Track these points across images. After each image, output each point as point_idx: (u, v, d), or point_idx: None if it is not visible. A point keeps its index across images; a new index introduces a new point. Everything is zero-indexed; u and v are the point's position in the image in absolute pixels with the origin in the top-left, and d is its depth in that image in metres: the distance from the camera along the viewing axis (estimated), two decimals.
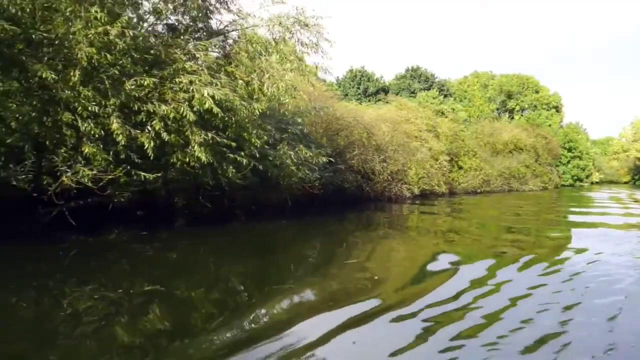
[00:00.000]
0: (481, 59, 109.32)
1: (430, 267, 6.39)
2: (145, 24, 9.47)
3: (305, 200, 13.20)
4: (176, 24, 9.55)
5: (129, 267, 6.80)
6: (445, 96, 56.43)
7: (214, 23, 10.14)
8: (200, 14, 9.94)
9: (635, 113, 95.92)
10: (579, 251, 7.53)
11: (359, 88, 51.18)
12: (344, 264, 6.81)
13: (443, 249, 8.01)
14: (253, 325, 3.91)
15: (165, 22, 9.42)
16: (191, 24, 9.79)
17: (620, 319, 3.98)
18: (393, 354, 3.20)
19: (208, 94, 8.19)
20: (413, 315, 4.05)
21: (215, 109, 8.33)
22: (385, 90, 53.91)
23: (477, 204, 21.33)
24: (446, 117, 30.97)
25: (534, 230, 11.19)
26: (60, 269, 6.28)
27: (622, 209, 18.01)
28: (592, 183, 56.90)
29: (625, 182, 71.68)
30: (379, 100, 50.69)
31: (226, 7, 10.28)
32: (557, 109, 61.86)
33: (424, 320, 3.90)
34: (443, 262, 6.69)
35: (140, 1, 8.80)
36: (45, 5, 7.45)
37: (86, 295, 4.99)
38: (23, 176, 7.04)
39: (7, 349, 3.35)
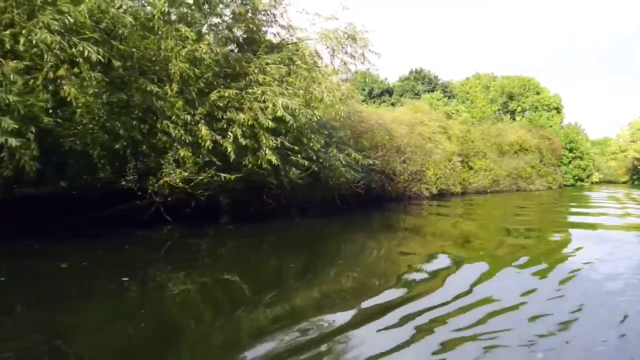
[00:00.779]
0: (481, 61, 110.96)
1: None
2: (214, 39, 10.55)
3: (342, 199, 14.32)
4: (241, 40, 10.63)
5: (197, 258, 7.74)
6: (449, 98, 57.81)
7: (272, 37, 11.23)
8: (254, 28, 11.04)
9: (633, 113, 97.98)
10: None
11: (364, 89, 52.34)
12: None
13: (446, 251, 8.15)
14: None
15: (236, 38, 10.49)
16: (254, 38, 10.89)
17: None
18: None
19: (282, 104, 9.30)
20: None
21: (288, 117, 9.45)
22: (389, 92, 55.18)
23: (493, 203, 22.56)
24: (454, 119, 32.19)
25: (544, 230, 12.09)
26: (138, 259, 7.25)
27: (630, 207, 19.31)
28: (592, 183, 58.44)
29: (624, 182, 73.29)
30: (384, 102, 52.01)
31: (276, 22, 11.37)
32: (558, 110, 63.37)
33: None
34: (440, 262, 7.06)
35: (218, 21, 9.88)
36: (144, 25, 8.51)
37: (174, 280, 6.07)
38: (130, 177, 8.12)
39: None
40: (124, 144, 8.37)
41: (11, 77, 6.59)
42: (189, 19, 9.00)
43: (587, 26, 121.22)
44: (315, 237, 10.54)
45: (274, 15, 11.23)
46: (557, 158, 44.92)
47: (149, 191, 8.67)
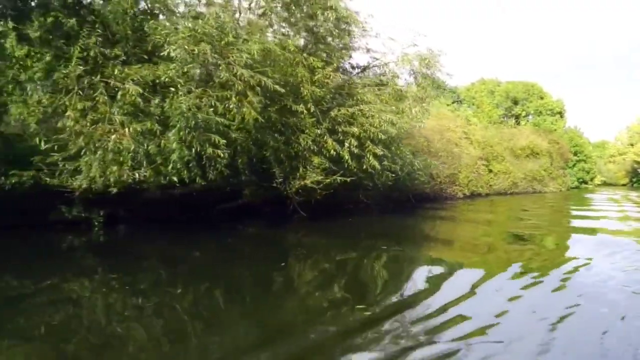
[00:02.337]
0: (483, 66, 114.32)
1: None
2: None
3: (405, 199, 16.63)
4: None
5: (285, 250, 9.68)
6: (454, 102, 60.50)
7: (364, 59, 13.49)
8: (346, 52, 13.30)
9: (630, 117, 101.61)
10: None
11: None
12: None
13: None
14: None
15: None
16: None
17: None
18: None
19: (387, 119, 11.56)
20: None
21: (391, 130, 11.71)
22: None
23: (521, 203, 25.01)
24: (475, 124, 34.65)
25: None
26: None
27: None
28: (595, 185, 61.36)
29: (623, 184, 76.27)
30: None
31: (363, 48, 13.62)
32: (561, 114, 66.31)
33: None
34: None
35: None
36: (286, 58, 10.68)
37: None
38: (279, 179, 10.31)
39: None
40: (268, 153, 10.53)
41: (213, 102, 8.78)
42: (318, 51, 11.22)
43: (584, 27, 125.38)
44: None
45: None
46: (565, 161, 47.67)
47: (286, 192, 10.88)
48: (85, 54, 8.12)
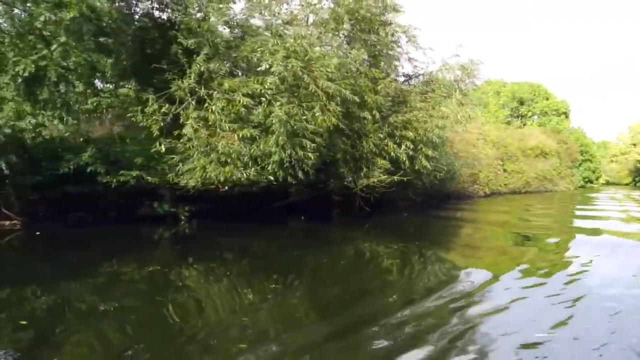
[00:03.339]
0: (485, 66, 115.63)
1: None
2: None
3: (432, 196, 18.07)
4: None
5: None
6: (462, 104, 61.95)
7: (408, 68, 14.89)
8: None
9: (628, 118, 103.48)
10: None
11: None
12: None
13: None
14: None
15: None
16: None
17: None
18: None
19: (440, 124, 12.96)
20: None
21: (442, 133, 13.11)
22: None
23: (541, 201, 26.50)
24: (490, 125, 36.06)
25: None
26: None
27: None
28: (601, 185, 63.00)
29: (626, 184, 77.85)
30: None
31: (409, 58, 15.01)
32: (566, 114, 67.90)
33: None
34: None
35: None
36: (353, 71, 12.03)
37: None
38: (350, 179, 11.70)
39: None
40: (338, 155, 11.91)
41: (303, 111, 10.15)
42: (378, 63, 12.60)
43: (581, 26, 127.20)
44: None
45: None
46: (573, 161, 49.22)
47: (354, 190, 12.28)
48: (198, 68, 9.46)
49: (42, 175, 11.34)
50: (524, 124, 65.08)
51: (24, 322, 4.53)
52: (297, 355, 3.78)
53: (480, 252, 9.25)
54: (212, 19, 9.92)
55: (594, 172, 58.87)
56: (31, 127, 9.25)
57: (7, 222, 11.30)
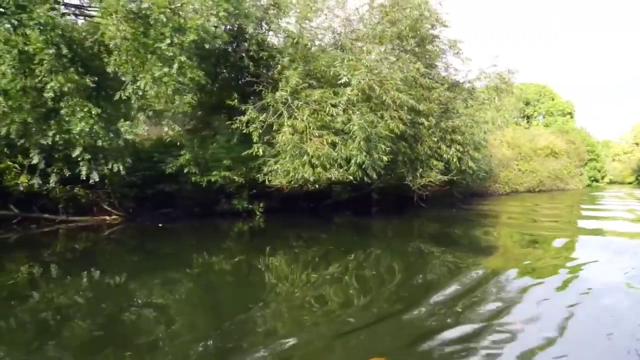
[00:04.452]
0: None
1: None
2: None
3: (478, 194, 19.61)
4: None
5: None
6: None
7: (453, 77, 16.37)
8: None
9: (628, 118, 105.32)
10: None
11: None
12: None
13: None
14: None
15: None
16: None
17: None
18: None
19: (487, 128, 14.46)
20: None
21: (485, 136, 14.61)
22: None
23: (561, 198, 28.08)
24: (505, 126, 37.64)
25: None
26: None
27: None
28: (606, 183, 64.69)
29: (630, 183, 79.56)
30: None
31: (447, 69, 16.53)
32: (571, 115, 69.61)
33: None
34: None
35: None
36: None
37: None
38: (410, 177, 13.19)
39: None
40: (400, 157, 13.40)
41: (377, 119, 11.63)
42: (431, 73, 14.10)
43: (580, 26, 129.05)
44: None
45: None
46: (581, 161, 50.89)
47: (413, 188, 13.77)
48: (292, 82, 10.95)
49: (136, 175, 12.81)
50: (530, 125, 66.82)
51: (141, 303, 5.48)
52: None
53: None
54: (303, 39, 11.43)
55: (599, 171, 60.57)
56: (145, 133, 10.68)
57: (108, 217, 12.77)
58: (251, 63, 12.54)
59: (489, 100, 15.87)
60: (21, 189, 10.95)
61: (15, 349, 3.96)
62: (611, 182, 75.25)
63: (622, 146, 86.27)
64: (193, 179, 12.26)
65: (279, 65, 12.08)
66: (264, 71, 11.68)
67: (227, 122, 12.07)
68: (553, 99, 69.51)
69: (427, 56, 14.36)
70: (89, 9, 11.57)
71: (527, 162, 36.73)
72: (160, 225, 12.43)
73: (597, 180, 60.17)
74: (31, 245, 10.20)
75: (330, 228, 14.00)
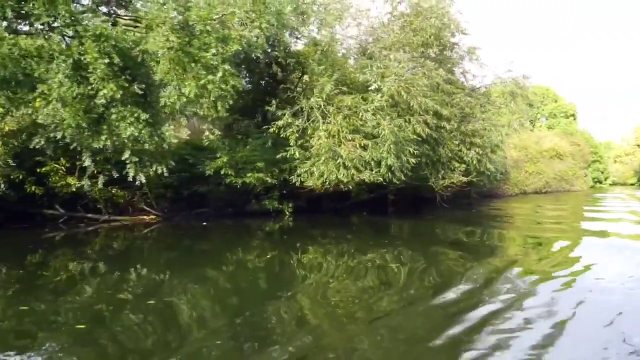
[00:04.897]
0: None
1: None
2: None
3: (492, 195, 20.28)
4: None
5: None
6: None
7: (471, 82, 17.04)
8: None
9: (633, 118, 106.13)
10: None
11: None
12: None
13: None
14: None
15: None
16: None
17: None
18: None
19: (505, 132, 15.10)
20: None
21: (502, 139, 15.25)
22: None
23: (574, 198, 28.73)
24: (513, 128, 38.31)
25: None
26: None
27: None
28: (609, 185, 65.37)
29: (632, 184, 79.99)
30: None
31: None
32: (574, 116, 70.28)
33: None
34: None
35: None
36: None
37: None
38: (433, 179, 13.84)
39: None
40: (423, 159, 14.03)
41: (404, 123, 12.27)
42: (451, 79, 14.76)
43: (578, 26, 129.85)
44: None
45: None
46: (585, 162, 51.56)
47: (436, 189, 14.44)
48: (327, 89, 11.61)
49: (172, 177, 13.43)
50: (534, 126, 67.49)
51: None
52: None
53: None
54: (333, 46, 12.08)
55: (602, 172, 61.24)
56: (187, 137, 11.32)
57: (147, 217, 13.41)
58: (279, 69, 13.21)
59: (504, 105, 16.52)
60: (73, 189, 11.57)
61: (68, 336, 4.38)
62: (613, 184, 75.86)
63: (624, 148, 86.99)
64: (228, 180, 12.89)
65: (308, 72, 12.74)
66: (292, 77, 12.33)
67: (263, 127, 12.74)
68: (556, 101, 70.23)
69: (447, 63, 15.01)
70: (137, 20, 12.18)
71: (534, 163, 37.37)
72: (204, 224, 13.12)
73: (600, 182, 60.81)
74: (77, 243, 10.86)
75: (352, 227, 14.77)
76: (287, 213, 14.35)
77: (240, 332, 4.43)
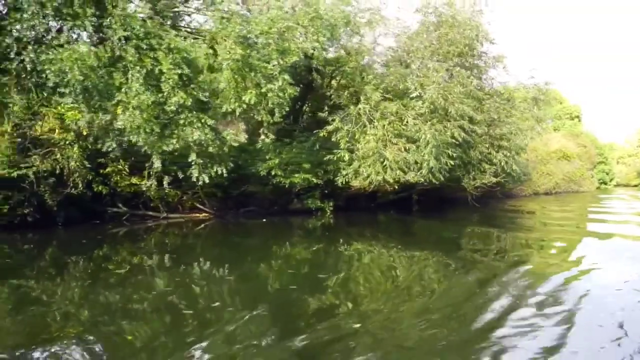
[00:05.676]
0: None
1: None
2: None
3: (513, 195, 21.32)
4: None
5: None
6: None
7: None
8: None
9: (635, 119, 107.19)
10: None
11: None
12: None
13: None
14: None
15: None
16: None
17: None
18: None
19: (530, 136, 16.11)
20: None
21: (527, 142, 16.26)
22: None
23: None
24: None
25: None
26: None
27: None
28: (614, 186, 66.43)
29: (635, 185, 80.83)
30: None
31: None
32: (578, 118, 71.28)
33: None
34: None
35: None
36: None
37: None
38: (466, 180, 14.83)
39: None
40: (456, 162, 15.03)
41: (443, 128, 13.26)
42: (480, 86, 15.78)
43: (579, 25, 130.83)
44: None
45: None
46: (592, 163, 52.60)
47: (468, 189, 15.43)
48: (373, 96, 12.62)
49: (223, 177, 14.42)
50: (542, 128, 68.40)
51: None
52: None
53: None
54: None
55: (607, 173, 62.31)
56: (246, 141, 12.30)
57: (200, 215, 14.40)
58: (318, 77, 14.21)
59: (528, 110, 17.53)
60: (143, 188, 12.55)
61: (137, 323, 5.07)
62: (617, 185, 76.84)
63: (627, 149, 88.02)
64: (276, 180, 13.88)
65: (347, 78, 13.74)
66: (331, 83, 13.37)
67: (312, 130, 13.77)
68: (561, 103, 71.23)
69: (477, 71, 16.02)
70: (203, 32, 13.13)
71: (544, 165, 38.39)
72: (264, 220, 14.25)
73: (605, 183, 61.86)
74: (138, 238, 11.85)
75: (381, 224, 15.93)
76: (328, 211, 15.34)
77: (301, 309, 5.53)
